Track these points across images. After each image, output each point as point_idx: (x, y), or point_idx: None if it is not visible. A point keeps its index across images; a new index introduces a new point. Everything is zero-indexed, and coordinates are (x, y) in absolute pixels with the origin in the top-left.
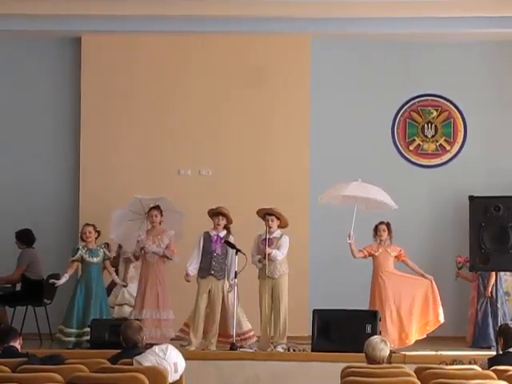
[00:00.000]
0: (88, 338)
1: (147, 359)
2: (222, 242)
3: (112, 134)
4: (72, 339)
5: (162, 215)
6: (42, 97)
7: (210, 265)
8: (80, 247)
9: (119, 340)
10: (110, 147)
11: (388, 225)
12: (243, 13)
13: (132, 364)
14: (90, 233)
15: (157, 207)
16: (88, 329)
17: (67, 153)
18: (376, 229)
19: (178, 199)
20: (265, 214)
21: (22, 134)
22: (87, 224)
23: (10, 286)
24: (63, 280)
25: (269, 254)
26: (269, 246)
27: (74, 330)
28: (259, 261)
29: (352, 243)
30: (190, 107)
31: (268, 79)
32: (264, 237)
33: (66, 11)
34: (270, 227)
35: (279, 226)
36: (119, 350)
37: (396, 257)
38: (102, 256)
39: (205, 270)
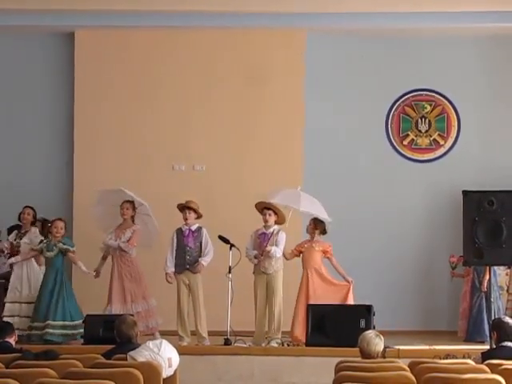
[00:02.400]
0: (48, 331)
1: (141, 354)
2: (195, 235)
3: (105, 129)
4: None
5: (134, 210)
6: (35, 92)
7: (185, 260)
8: (44, 240)
9: (113, 335)
10: (103, 143)
11: (316, 221)
12: (238, 7)
13: (126, 359)
14: (61, 228)
15: (130, 201)
16: (49, 322)
17: (61, 148)
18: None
19: (171, 194)
20: (263, 207)
21: (14, 129)
22: (60, 219)
23: (3, 281)
24: (12, 260)
25: (268, 251)
26: (265, 240)
27: (35, 324)
28: (255, 257)
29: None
30: (184, 102)
31: (263, 74)
32: (261, 232)
33: (59, 6)
34: (266, 221)
35: (276, 222)
36: (113, 346)
37: (322, 252)
38: (57, 251)
39: (180, 266)
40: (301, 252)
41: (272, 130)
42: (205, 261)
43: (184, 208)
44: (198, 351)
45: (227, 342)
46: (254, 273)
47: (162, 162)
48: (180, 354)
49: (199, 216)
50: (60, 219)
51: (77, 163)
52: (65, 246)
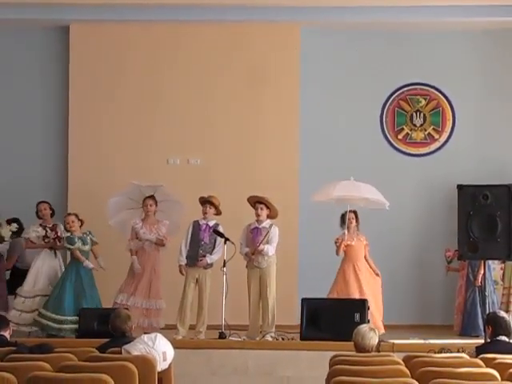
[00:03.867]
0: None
1: (136, 348)
2: (211, 231)
3: (100, 123)
4: (63, 326)
5: (156, 205)
6: (29, 86)
7: (198, 253)
8: (74, 237)
9: (108, 329)
10: (98, 136)
11: (356, 213)
12: (232, 1)
13: (121, 353)
14: (73, 222)
15: (152, 197)
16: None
17: (55, 142)
18: (343, 217)
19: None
20: (255, 201)
21: (8, 123)
22: (69, 214)
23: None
24: (90, 264)
25: (261, 250)
26: (257, 235)
27: (64, 318)
28: (246, 254)
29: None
30: (179, 96)
31: (257, 68)
32: (253, 226)
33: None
34: (258, 215)
35: (269, 216)
36: (108, 339)
37: (364, 246)
38: (91, 243)
39: (192, 259)
40: (346, 246)
41: (267, 123)
42: (210, 258)
43: (205, 202)
44: (192, 345)
45: (222, 336)
46: (247, 267)
47: (156, 156)
48: (174, 347)
49: (218, 213)
50: (70, 214)
51: (71, 156)
52: (95, 239)
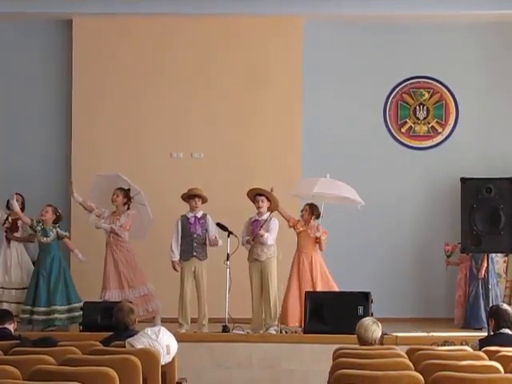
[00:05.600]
0: (37, 317)
1: (139, 341)
2: (201, 222)
3: (103, 116)
4: (26, 316)
5: (128, 199)
6: (33, 79)
7: (192, 247)
8: (40, 224)
9: (111, 322)
10: (101, 130)
11: (311, 206)
12: None
13: (124, 346)
14: (46, 212)
15: (122, 189)
16: (39, 308)
17: (58, 136)
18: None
19: (169, 182)
20: (255, 194)
21: (12, 116)
22: (48, 205)
23: None
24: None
25: (261, 236)
26: (257, 227)
27: (27, 308)
28: (247, 241)
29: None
30: (182, 89)
31: (260, 62)
32: (254, 219)
33: None
34: (259, 207)
35: (269, 208)
36: (111, 333)
37: (316, 239)
38: (54, 236)
39: (187, 253)
40: (293, 226)
41: (270, 117)
42: (219, 243)
43: (193, 196)
44: (196, 338)
45: (225, 329)
46: (248, 260)
47: (159, 150)
48: (178, 340)
49: (205, 200)
50: (48, 205)
51: (75, 151)
52: (63, 232)
